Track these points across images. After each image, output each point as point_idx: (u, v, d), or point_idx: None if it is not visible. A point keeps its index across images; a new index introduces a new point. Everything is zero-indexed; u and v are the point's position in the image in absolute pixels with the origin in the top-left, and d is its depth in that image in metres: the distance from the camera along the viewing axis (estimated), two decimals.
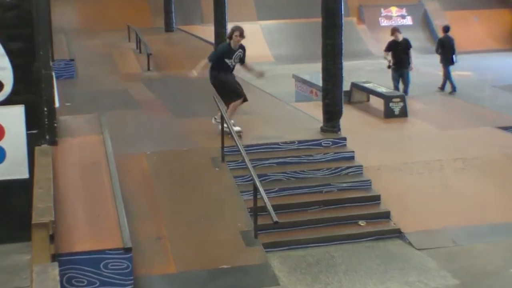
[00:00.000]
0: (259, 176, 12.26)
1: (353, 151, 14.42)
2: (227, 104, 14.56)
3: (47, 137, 12.68)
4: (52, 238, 9.44)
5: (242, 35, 14.25)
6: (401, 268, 11.44)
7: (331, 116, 15.04)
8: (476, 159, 15.27)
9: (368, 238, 12.57)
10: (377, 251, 12.13)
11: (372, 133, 17.07)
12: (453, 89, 22.94)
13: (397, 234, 12.70)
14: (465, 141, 16.35)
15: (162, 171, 13.45)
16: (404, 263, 11.64)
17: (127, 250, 10.11)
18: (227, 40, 14.70)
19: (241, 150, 12.82)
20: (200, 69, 14.45)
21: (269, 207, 11.44)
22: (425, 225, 12.90)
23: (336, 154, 14.29)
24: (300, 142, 14.45)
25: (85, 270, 9.97)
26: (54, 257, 9.29)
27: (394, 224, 12.93)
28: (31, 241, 9.45)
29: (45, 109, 12.56)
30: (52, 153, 12.36)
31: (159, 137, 15.04)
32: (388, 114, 18.42)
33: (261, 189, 11.74)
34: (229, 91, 14.55)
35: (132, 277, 10.17)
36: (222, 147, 13.68)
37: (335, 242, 12.36)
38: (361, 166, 14.11)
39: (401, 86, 21.49)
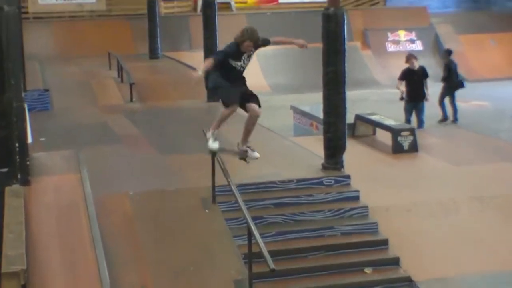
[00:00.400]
0: (254, 218, 12.28)
1: (358, 190, 14.46)
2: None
3: (19, 176, 12.73)
4: None
5: (256, 44, 12.74)
6: None
7: (334, 152, 15.07)
8: (495, 198, 15.28)
9: (376, 287, 12.59)
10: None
11: (379, 170, 17.07)
12: (446, 118, 23.06)
13: (408, 282, 12.70)
14: (482, 178, 16.35)
15: (146, 214, 13.45)
16: None
17: None
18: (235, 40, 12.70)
19: (233, 190, 12.83)
20: (205, 69, 12.70)
21: (265, 253, 11.42)
22: (438, 272, 12.91)
23: (339, 194, 14.31)
24: (299, 180, 14.49)
25: None
26: None
27: (403, 271, 12.94)
28: None
29: (17, 145, 12.60)
30: (24, 194, 12.39)
31: (143, 175, 15.07)
32: (397, 149, 18.43)
33: (256, 233, 11.72)
34: (222, 95, 13.08)
35: None
36: (213, 186, 13.70)
37: None
38: (367, 207, 14.13)
39: (413, 119, 21.57)
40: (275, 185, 14.29)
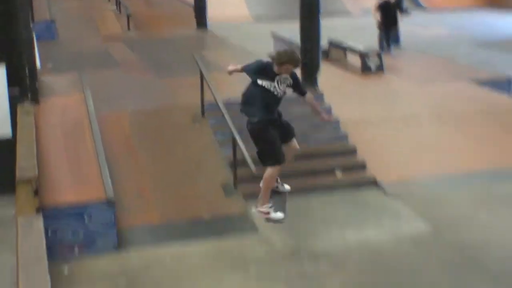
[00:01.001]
0: (238, 131, 12.42)
1: (331, 106, 14.55)
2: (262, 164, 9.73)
3: (29, 96, 12.86)
4: (36, 193, 9.65)
5: (296, 67, 9.35)
6: (377, 215, 11.65)
7: (309, 73, 15.18)
8: (451, 112, 15.51)
9: (345, 188, 12.71)
10: (352, 200, 12.29)
11: (349, 89, 17.26)
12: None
13: (373, 183, 12.85)
14: (441, 96, 16.54)
15: (143, 128, 13.61)
16: (379, 211, 11.85)
17: (110, 202, 10.38)
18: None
19: (220, 106, 13.02)
20: (232, 70, 9.91)
21: (248, 159, 11.69)
22: (400, 174, 13.11)
23: None
24: None
25: (69, 221, 10.20)
26: (39, 211, 9.51)
27: (370, 174, 13.10)
28: (16, 196, 9.67)
29: (27, 69, 12.72)
30: (34, 112, 12.54)
31: (140, 95, 15.13)
32: (365, 70, 18.61)
33: (240, 143, 11.98)
34: (265, 149, 9.40)
35: (115, 228, 10.45)
36: (202, 103, 13.84)
37: (312, 192, 12.48)
38: (338, 120, 14.23)
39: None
40: None
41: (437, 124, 14.99)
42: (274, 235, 10.93)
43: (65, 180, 10.99)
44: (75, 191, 10.71)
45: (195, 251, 10.39)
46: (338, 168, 13.13)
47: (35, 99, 13.06)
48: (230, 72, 9.93)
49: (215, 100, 13.21)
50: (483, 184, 12.85)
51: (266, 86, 9.06)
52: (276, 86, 9.07)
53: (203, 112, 13.87)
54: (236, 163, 12.10)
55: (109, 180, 10.81)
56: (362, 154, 13.52)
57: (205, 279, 9.68)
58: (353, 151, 13.60)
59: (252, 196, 12.01)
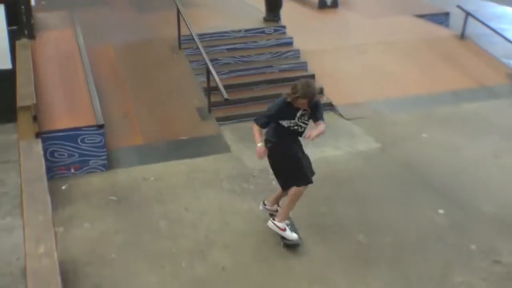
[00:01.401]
0: (211, 60, 12.45)
1: (292, 37, 14.48)
2: (283, 187, 8.46)
3: (26, 32, 12.73)
4: (35, 118, 9.62)
5: (311, 101, 7.83)
6: (333, 135, 11.63)
7: (272, 7, 15.04)
8: (398, 42, 15.50)
9: None
10: (312, 122, 12.31)
11: (308, 22, 17.16)
12: None
13: (329, 106, 12.85)
14: (389, 28, 16.51)
15: (127, 59, 13.42)
16: (335, 131, 11.84)
17: (100, 126, 10.38)
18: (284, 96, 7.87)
19: (195, 38, 12.94)
20: (262, 157, 8.06)
21: (221, 87, 11.71)
22: (353, 98, 13.13)
23: (277, 40, 14.37)
24: (246, 30, 14.45)
25: (65, 144, 10.20)
26: (38, 135, 9.49)
27: (326, 98, 13.05)
28: (17, 122, 9.63)
29: (23, 7, 12.54)
30: (31, 46, 12.41)
31: (125, 30, 14.89)
32: (321, 5, 18.43)
33: (213, 71, 11.97)
34: (289, 170, 8.15)
35: (105, 149, 10.45)
36: (179, 36, 13.70)
37: None
38: (299, 50, 14.20)
39: None
40: (228, 34, 14.28)
41: (385, 53, 15.01)
42: (245, 153, 10.98)
43: (60, 107, 10.91)
44: (69, 117, 10.64)
45: (175, 169, 10.42)
46: None
47: (31, 35, 12.91)
48: (258, 139, 7.96)
49: (191, 33, 13.10)
50: (424, 107, 12.94)
51: (288, 125, 7.91)
52: (298, 122, 7.93)
53: (180, 44, 13.74)
54: (209, 89, 12.09)
55: (99, 107, 10.78)
56: (320, 80, 13.45)
57: (185, 193, 9.73)
58: (311, 77, 13.53)
59: (224, 120, 12.12)
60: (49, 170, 9.49)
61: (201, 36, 13.61)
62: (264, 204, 8.88)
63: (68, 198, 9.59)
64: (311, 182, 8.14)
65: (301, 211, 8.77)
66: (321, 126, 7.94)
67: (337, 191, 9.82)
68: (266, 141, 8.02)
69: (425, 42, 15.59)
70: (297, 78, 13.17)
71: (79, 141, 10.26)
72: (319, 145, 11.28)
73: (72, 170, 10.30)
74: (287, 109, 7.83)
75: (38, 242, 6.60)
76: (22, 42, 12.38)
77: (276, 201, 8.80)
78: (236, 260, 8.15)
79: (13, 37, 12.19)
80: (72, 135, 10.24)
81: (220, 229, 8.81)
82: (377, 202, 9.41)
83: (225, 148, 11.16)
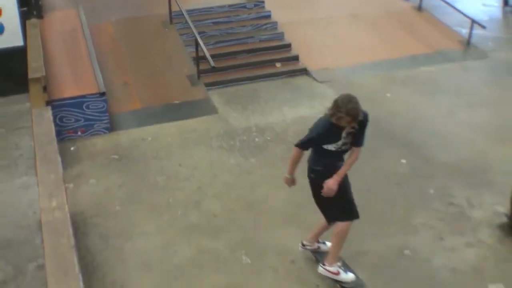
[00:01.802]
0: (199, 33, 12.36)
1: (270, 11, 14.37)
2: (327, 220, 6.74)
3: (35, 13, 12.63)
4: (45, 89, 9.57)
5: (355, 121, 5.92)
6: (308, 96, 11.69)
7: None
8: (363, 15, 15.38)
9: (283, 76, 12.69)
10: (289, 85, 12.29)
11: None
12: None
13: (304, 72, 12.81)
14: (354, 3, 16.27)
15: (124, 34, 13.29)
16: (309, 93, 11.88)
17: (102, 94, 10.34)
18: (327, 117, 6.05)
19: (184, 14, 12.87)
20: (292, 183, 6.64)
21: (208, 56, 11.68)
22: (325, 64, 13.05)
23: (257, 14, 14.23)
24: (230, 6, 14.27)
25: (72, 111, 10.18)
26: (48, 103, 9.44)
27: (301, 64, 13.01)
28: (29, 93, 9.57)
29: None
30: (39, 25, 12.30)
31: (121, 8, 14.66)
32: None
33: (201, 43, 11.92)
34: (336, 203, 6.40)
35: (107, 114, 10.42)
36: (170, 12, 13.56)
37: (258, 80, 12.45)
38: (276, 22, 14.08)
39: None
40: (213, 9, 14.13)
41: (352, 25, 14.90)
42: (231, 115, 10.97)
43: (67, 78, 10.85)
44: (75, 86, 10.59)
45: (169, 130, 10.41)
46: (278, 60, 13.08)
47: (40, 15, 12.79)
48: (290, 170, 6.51)
49: (180, 9, 13.02)
50: (387, 70, 12.92)
51: (333, 149, 6.20)
52: (341, 144, 6.17)
53: (171, 20, 13.59)
54: (198, 59, 12.03)
55: (101, 77, 10.73)
56: (295, 49, 13.41)
57: (178, 151, 9.74)
58: (288, 47, 13.50)
59: (212, 85, 12.08)
60: (58, 134, 9.45)
61: (190, 11, 13.50)
62: (303, 245, 7.11)
63: (76, 158, 9.58)
64: (358, 217, 6.49)
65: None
66: (356, 157, 6.31)
67: None
68: (310, 170, 6.41)
69: (387, 14, 15.46)
70: (275, 47, 13.37)
71: (84, 107, 10.22)
72: (296, 105, 11.31)
73: (79, 133, 10.27)
74: (332, 131, 6.05)
75: (51, 198, 6.60)
76: (32, 21, 12.25)
77: (317, 238, 7.07)
78: (226, 208, 8.21)
79: (24, 17, 12.06)
80: (78, 102, 10.20)
81: (210, 182, 8.84)
82: (346, 154, 9.43)
83: (213, 110, 11.12)
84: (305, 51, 13.42)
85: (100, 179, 8.92)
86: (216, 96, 11.73)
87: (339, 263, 6.76)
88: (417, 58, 13.49)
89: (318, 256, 7.05)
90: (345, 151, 6.31)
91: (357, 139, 6.19)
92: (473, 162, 9.23)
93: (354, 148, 6.27)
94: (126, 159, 9.51)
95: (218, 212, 8.10)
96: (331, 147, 6.18)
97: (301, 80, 12.57)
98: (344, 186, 6.34)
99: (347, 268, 6.82)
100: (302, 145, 6.30)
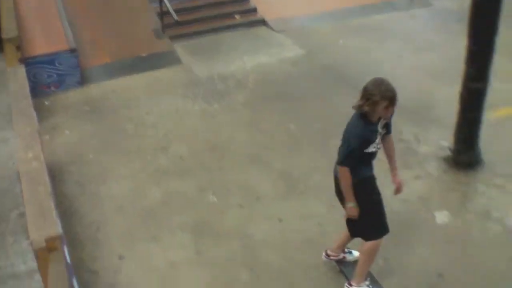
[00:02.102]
0: None
1: None
2: (352, 235, 5.65)
3: None
4: (18, 48, 9.39)
5: (393, 103, 5.02)
6: (266, 45, 11.61)
7: None
8: None
9: (243, 27, 12.52)
10: (249, 35, 12.16)
11: None
12: None
13: (262, 22, 12.67)
14: None
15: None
16: (268, 42, 11.78)
17: (73, 50, 10.20)
18: (359, 113, 5.04)
19: None
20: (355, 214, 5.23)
21: (171, 11, 11.53)
22: (282, 15, 12.89)
23: None
24: None
25: (45, 67, 10.03)
26: (22, 61, 9.27)
27: (260, 15, 12.87)
28: (4, 52, 9.41)
29: None
30: None
31: None
32: None
33: None
34: (368, 219, 5.28)
35: (78, 69, 10.29)
36: None
37: (220, 32, 12.29)
38: None
39: None
40: None
41: None
42: (194, 65, 10.89)
43: (39, 36, 10.64)
44: (46, 44, 10.41)
45: (137, 82, 10.31)
46: (237, 12, 12.93)
47: None
48: (351, 197, 5.16)
49: None
50: (339, 19, 12.79)
51: (372, 151, 5.11)
52: (378, 141, 5.13)
53: None
54: (162, 13, 11.84)
55: (71, 34, 10.58)
56: (253, 1, 13.26)
57: (147, 100, 9.66)
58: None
59: (175, 38, 11.89)
60: (33, 89, 9.22)
61: None
62: (327, 255, 5.95)
63: (51, 111, 9.46)
64: (388, 231, 5.38)
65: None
66: (391, 150, 5.45)
67: (270, 90, 9.82)
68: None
69: None
70: (235, 0, 13.16)
71: (56, 63, 10.06)
72: (255, 54, 11.25)
73: (52, 88, 10.12)
74: (369, 131, 4.99)
75: (27, 149, 6.53)
76: None
77: (342, 248, 5.93)
78: (191, 150, 8.21)
79: None
80: (50, 59, 10.05)
81: (176, 127, 8.82)
82: (304, 98, 9.46)
83: (178, 61, 11.01)
84: (262, 2, 13.24)
85: (74, 130, 8.84)
86: (180, 48, 11.57)
87: (367, 283, 5.65)
88: (367, 7, 13.34)
89: (343, 267, 5.94)
90: (376, 153, 5.20)
91: (389, 126, 5.25)
92: (419, 101, 9.27)
93: (388, 137, 5.31)
94: (98, 110, 9.40)
95: (185, 155, 8.08)
96: (371, 149, 5.04)
97: (260, 31, 12.43)
98: (377, 196, 5.28)
99: (375, 285, 5.70)
100: (347, 159, 5.02)
